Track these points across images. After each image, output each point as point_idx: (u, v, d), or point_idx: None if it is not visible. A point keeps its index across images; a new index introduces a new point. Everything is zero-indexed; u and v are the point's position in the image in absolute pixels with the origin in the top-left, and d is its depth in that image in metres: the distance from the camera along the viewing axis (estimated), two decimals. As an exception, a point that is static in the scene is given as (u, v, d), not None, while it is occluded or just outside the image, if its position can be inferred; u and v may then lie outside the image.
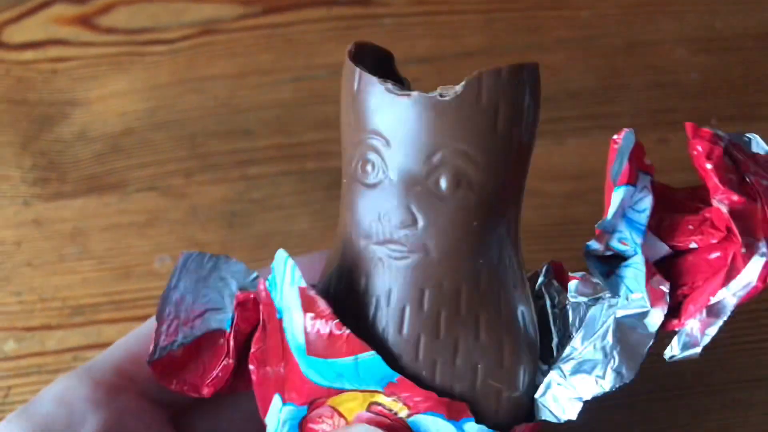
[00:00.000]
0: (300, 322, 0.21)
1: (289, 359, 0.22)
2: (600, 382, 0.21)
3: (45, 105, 0.39)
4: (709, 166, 0.20)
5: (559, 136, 0.37)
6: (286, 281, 0.21)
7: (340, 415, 0.22)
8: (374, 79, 0.21)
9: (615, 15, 0.40)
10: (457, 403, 0.21)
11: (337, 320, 0.21)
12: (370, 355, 0.21)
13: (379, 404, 0.22)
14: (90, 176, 0.37)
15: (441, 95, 0.20)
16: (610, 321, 0.21)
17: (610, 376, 0.21)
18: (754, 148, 0.22)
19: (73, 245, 0.35)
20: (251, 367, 0.23)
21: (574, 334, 0.22)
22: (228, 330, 0.24)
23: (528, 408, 0.23)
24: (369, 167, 0.21)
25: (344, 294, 0.22)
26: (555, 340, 0.23)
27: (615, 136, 0.21)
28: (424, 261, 0.21)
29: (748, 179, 0.21)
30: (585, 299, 0.23)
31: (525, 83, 0.21)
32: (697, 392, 0.31)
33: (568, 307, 0.23)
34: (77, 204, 0.36)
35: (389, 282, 0.21)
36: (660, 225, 0.22)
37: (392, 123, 0.21)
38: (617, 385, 0.21)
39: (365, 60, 0.22)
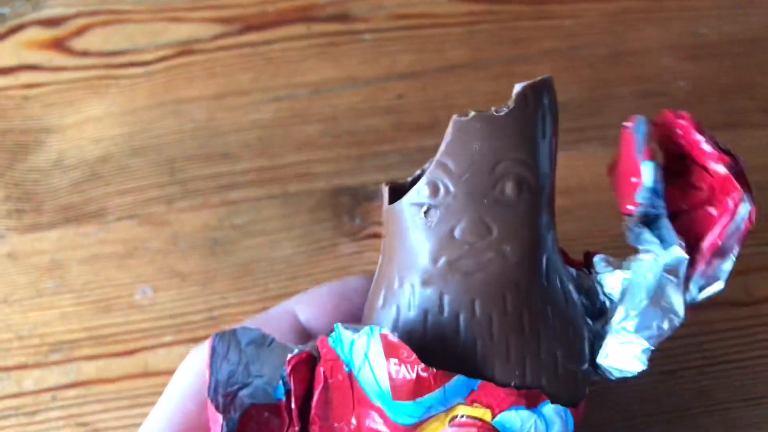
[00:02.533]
0: (384, 369, 0.22)
1: (363, 410, 0.22)
2: (660, 329, 0.24)
3: (18, 133, 0.37)
4: (699, 136, 0.24)
5: (547, 150, 0.36)
6: (361, 337, 0.22)
7: None
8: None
9: (599, 24, 0.39)
10: (532, 391, 0.23)
11: (422, 365, 0.21)
12: (456, 379, 0.22)
13: (462, 416, 0.22)
14: (67, 206, 0.36)
15: (496, 111, 0.23)
16: (659, 274, 0.24)
17: (667, 322, 0.24)
18: None
19: (51, 279, 0.34)
20: (314, 428, 0.23)
21: (616, 299, 0.24)
22: (281, 398, 0.23)
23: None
24: (436, 189, 0.23)
25: (420, 323, 0.23)
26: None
27: (626, 123, 0.24)
28: (503, 266, 0.23)
29: (721, 146, 0.25)
30: (611, 269, 0.25)
31: (554, 92, 0.24)
32: (696, 412, 0.31)
33: (598, 279, 0.25)
34: (54, 235, 0.35)
35: (472, 294, 0.23)
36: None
37: (455, 147, 0.23)
38: (676, 327, 0.24)
39: None
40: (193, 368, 0.24)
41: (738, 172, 0.24)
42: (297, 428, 0.23)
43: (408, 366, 0.22)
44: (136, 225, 0.35)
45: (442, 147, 0.23)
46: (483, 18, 0.40)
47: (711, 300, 0.33)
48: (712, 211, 0.24)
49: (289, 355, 0.23)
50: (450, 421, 0.22)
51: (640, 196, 0.24)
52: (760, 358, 0.32)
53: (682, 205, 0.25)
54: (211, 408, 0.22)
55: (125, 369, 0.32)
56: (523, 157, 0.22)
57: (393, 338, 0.21)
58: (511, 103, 0.23)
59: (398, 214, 0.23)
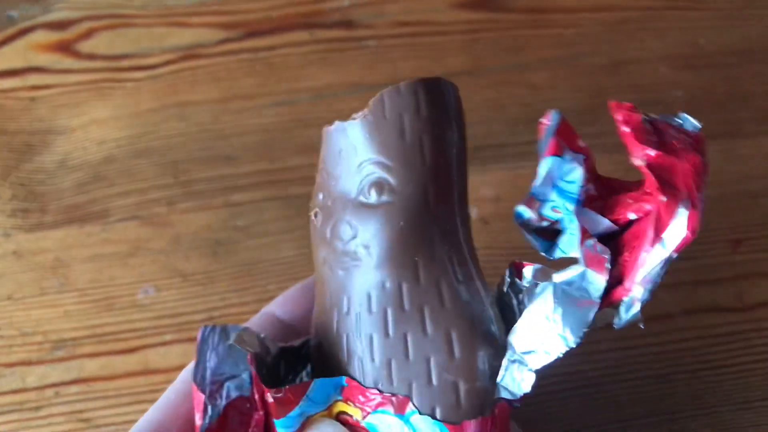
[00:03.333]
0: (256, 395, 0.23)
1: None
2: (546, 350, 0.21)
3: (25, 134, 0.38)
4: (626, 129, 0.21)
5: (545, 156, 0.37)
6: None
7: None
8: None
9: (598, 33, 0.40)
10: (400, 396, 0.22)
11: (272, 390, 0.23)
12: (313, 385, 0.23)
13: (344, 413, 0.23)
14: (71, 206, 0.36)
15: (353, 118, 0.23)
16: (549, 286, 0.22)
17: (554, 342, 0.21)
18: (687, 127, 0.23)
19: (55, 277, 0.34)
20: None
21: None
22: (251, 388, 0.24)
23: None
24: (321, 193, 0.24)
25: (317, 319, 0.25)
26: None
27: (542, 119, 0.22)
28: (366, 266, 0.23)
29: (668, 140, 0.22)
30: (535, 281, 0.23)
31: (424, 96, 0.23)
32: (687, 415, 0.31)
33: (523, 294, 0.23)
34: (58, 234, 0.35)
35: (347, 292, 0.23)
36: (603, 204, 0.23)
37: (327, 154, 0.24)
38: (563, 352, 0.21)
39: None
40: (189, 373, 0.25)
41: (668, 169, 0.21)
42: (261, 413, 0.23)
43: (268, 394, 0.23)
44: (139, 225, 0.36)
45: (321, 155, 0.24)
46: (484, 26, 0.40)
47: (705, 306, 0.33)
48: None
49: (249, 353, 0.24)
50: (336, 416, 0.23)
51: (531, 192, 0.22)
52: (752, 363, 0.32)
53: (633, 212, 0.22)
54: (196, 393, 0.23)
55: (126, 367, 0.32)
56: (382, 159, 0.23)
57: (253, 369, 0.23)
58: (367, 110, 0.23)
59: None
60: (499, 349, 0.23)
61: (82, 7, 0.41)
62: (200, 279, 0.34)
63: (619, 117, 0.22)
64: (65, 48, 0.40)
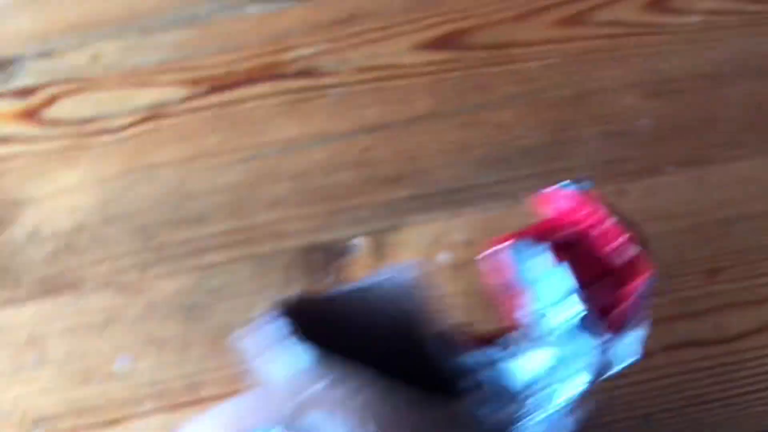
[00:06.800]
0: None
1: None
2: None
3: (-7, 207, 0.38)
4: (610, 222, 0.22)
5: (514, 196, 0.36)
6: None
7: None
8: None
9: (561, 65, 0.40)
10: None
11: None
12: None
13: None
14: (44, 278, 0.36)
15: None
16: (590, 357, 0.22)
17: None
18: None
19: (30, 353, 0.34)
20: None
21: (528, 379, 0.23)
22: None
23: None
24: None
25: None
26: None
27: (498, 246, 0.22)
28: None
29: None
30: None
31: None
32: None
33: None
34: (32, 309, 0.35)
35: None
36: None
37: None
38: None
39: None
40: None
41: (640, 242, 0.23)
42: None
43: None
44: (113, 294, 0.35)
45: None
46: (447, 66, 0.40)
47: (684, 341, 0.33)
48: (619, 282, 0.23)
49: None
50: None
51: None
52: (737, 396, 0.32)
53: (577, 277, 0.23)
54: None
55: (106, 441, 0.32)
56: None
57: None
58: None
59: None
60: None
61: (45, 73, 0.41)
62: (176, 345, 0.34)
63: (597, 214, 0.22)
64: (30, 116, 0.40)
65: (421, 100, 0.39)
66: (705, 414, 0.31)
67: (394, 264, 0.24)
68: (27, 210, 0.38)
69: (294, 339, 0.22)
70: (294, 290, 0.35)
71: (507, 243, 0.22)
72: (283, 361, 0.22)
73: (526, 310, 0.22)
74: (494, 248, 0.23)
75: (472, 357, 0.24)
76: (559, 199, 0.23)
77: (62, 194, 0.38)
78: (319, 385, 0.21)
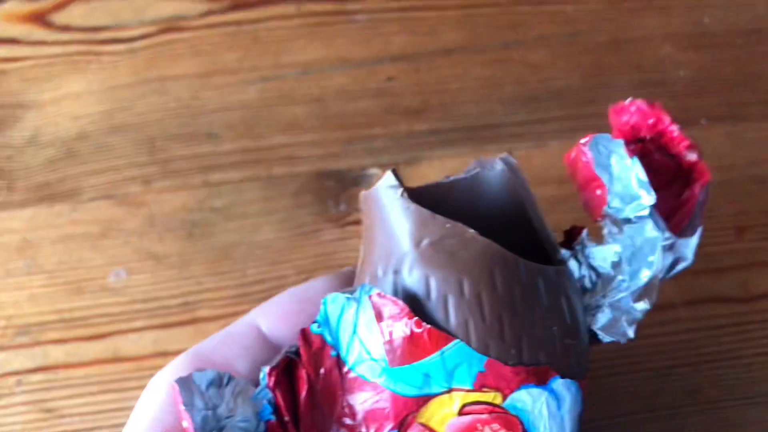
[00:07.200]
0: (376, 335, 0.21)
1: (357, 394, 0.22)
2: (650, 301, 0.23)
3: (-7, 108, 0.36)
4: (673, 126, 0.24)
5: (541, 137, 0.35)
6: (349, 309, 0.22)
7: (432, 431, 0.21)
8: None
9: (600, 10, 0.38)
10: (541, 367, 0.22)
11: (416, 318, 0.21)
12: (454, 345, 0.21)
13: (473, 403, 0.22)
14: (41, 184, 0.34)
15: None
16: (658, 251, 0.23)
17: (653, 296, 0.23)
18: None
19: (21, 259, 0.33)
20: None
21: (607, 271, 0.23)
22: (270, 419, 0.21)
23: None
24: None
25: (410, 302, 0.22)
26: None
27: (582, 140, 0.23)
28: (487, 241, 0.22)
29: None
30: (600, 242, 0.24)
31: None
32: (688, 411, 0.29)
33: (586, 252, 0.24)
34: (26, 214, 0.33)
35: (459, 274, 0.22)
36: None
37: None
38: (654, 302, 0.23)
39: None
40: (164, 382, 0.22)
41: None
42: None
43: (400, 322, 0.21)
44: (112, 205, 0.34)
45: None
46: (480, 1, 0.38)
47: (707, 296, 0.32)
48: (680, 191, 0.24)
49: (267, 368, 0.21)
50: (461, 410, 0.21)
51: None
52: (756, 356, 0.30)
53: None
54: None
55: (94, 354, 0.31)
56: None
57: (382, 299, 0.21)
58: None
59: (376, 200, 0.22)
60: (583, 303, 0.24)
61: (57, -23, 0.39)
62: (175, 262, 0.32)
63: (661, 115, 0.24)
64: (39, 19, 0.38)
65: (451, 32, 0.37)
66: (722, 372, 0.30)
67: (483, 158, 0.24)
68: (28, 113, 0.36)
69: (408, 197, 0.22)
70: (303, 216, 0.33)
71: (586, 138, 0.23)
72: (399, 213, 0.22)
73: (602, 201, 0.23)
74: (577, 144, 0.24)
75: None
76: (629, 109, 0.25)
77: (67, 100, 0.36)
78: (433, 235, 0.22)
